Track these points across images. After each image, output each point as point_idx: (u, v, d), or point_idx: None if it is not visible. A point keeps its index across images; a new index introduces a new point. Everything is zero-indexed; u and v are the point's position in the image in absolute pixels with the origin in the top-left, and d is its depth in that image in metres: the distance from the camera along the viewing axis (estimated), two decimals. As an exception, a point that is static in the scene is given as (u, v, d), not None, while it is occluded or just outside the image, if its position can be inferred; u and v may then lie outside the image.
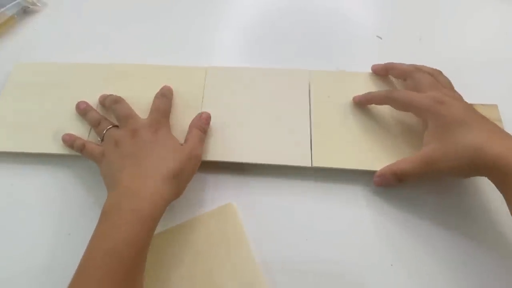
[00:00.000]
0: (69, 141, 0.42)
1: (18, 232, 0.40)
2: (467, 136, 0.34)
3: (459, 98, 0.39)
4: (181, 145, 0.39)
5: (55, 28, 0.55)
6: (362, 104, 0.43)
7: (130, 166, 0.35)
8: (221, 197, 0.40)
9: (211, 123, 0.43)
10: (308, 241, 0.38)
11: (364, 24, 0.53)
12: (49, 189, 0.42)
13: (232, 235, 0.38)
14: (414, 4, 0.55)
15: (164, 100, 0.42)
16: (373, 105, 0.43)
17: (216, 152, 0.41)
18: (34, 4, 0.56)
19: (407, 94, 0.39)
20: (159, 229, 0.38)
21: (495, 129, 0.35)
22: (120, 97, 0.42)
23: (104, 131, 0.40)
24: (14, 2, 0.54)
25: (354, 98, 0.44)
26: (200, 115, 0.42)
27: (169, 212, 0.39)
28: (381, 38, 0.52)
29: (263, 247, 0.38)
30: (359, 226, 0.39)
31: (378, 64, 0.46)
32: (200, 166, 0.41)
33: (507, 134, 0.35)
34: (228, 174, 0.42)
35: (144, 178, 0.35)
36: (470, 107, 0.37)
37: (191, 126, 0.41)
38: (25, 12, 0.56)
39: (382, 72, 0.46)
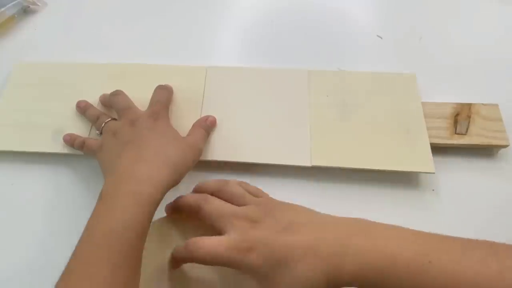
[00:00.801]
0: (69, 140, 0.42)
1: (18, 232, 0.40)
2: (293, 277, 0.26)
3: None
4: (183, 137, 0.39)
5: (55, 28, 0.55)
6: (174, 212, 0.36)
7: (129, 151, 0.35)
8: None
9: (211, 122, 0.43)
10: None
11: (364, 24, 0.53)
12: (49, 189, 0.42)
13: None
14: (414, 4, 0.55)
15: (164, 92, 0.42)
16: (369, 103, 0.43)
17: (215, 151, 0.41)
18: (34, 3, 0.56)
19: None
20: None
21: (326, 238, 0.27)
22: (119, 90, 0.42)
23: (103, 124, 0.40)
24: (14, 2, 0.54)
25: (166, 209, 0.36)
26: (206, 117, 0.42)
27: (164, 211, 0.39)
28: (381, 38, 0.52)
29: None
30: (359, 225, 0.39)
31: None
32: (199, 166, 0.41)
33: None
34: (227, 173, 0.42)
35: (143, 162, 0.34)
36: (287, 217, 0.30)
37: (195, 125, 0.41)
38: (25, 11, 0.56)
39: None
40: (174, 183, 0.35)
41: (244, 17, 0.55)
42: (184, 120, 0.43)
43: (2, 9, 0.54)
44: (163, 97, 0.41)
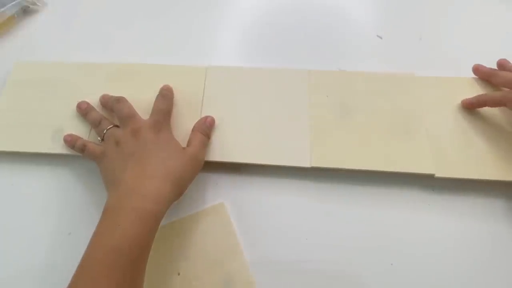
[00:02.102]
0: (70, 142, 0.42)
1: (19, 232, 0.40)
2: None
3: None
4: (184, 148, 0.39)
5: (55, 27, 0.55)
6: (473, 107, 0.42)
7: (132, 166, 0.35)
8: (217, 196, 0.41)
9: (211, 122, 0.43)
10: (307, 240, 0.38)
11: (364, 24, 0.53)
12: (49, 189, 0.42)
13: (222, 233, 0.38)
14: (414, 4, 0.55)
15: (166, 101, 0.42)
16: (369, 103, 0.43)
17: (215, 152, 0.41)
18: (34, 3, 0.56)
19: None
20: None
21: None
22: (122, 97, 0.42)
23: (105, 131, 0.40)
24: (14, 2, 0.54)
25: (462, 102, 0.42)
26: (205, 119, 0.42)
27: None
28: (381, 38, 0.52)
29: (261, 247, 0.38)
30: (358, 225, 0.39)
31: (482, 67, 0.44)
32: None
33: None
34: (226, 173, 0.42)
35: (146, 178, 0.35)
36: None
37: (195, 130, 0.41)
38: (25, 11, 0.56)
39: (483, 77, 0.44)
40: (177, 197, 0.36)
41: (244, 17, 0.55)
42: (184, 120, 0.43)
43: (2, 9, 0.54)
44: (165, 106, 0.41)
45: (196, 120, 0.42)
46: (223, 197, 0.40)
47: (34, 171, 0.43)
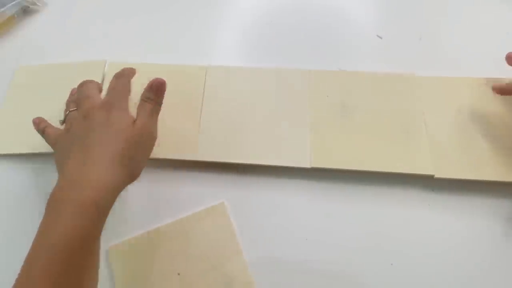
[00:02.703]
0: (37, 124, 0.40)
1: (19, 232, 0.40)
2: None
3: None
4: (134, 124, 0.35)
5: (55, 28, 0.55)
6: (503, 93, 0.41)
7: (76, 152, 0.32)
8: (217, 196, 0.41)
9: (210, 122, 0.43)
10: (307, 241, 0.38)
11: (364, 24, 0.53)
12: (49, 189, 0.42)
13: (222, 234, 0.38)
14: (414, 4, 0.55)
15: (122, 80, 0.37)
16: (369, 103, 0.43)
17: (215, 152, 0.41)
18: (34, 3, 0.56)
19: None
20: (151, 227, 0.39)
21: None
22: (87, 80, 0.38)
23: (67, 112, 0.37)
24: (14, 2, 0.54)
25: (493, 86, 0.42)
26: (151, 83, 0.36)
27: (162, 209, 0.39)
28: (381, 38, 0.51)
29: (261, 247, 0.38)
30: (358, 225, 0.39)
31: None
32: (198, 166, 0.41)
33: None
34: (226, 173, 0.42)
35: (89, 164, 0.31)
36: None
37: (140, 102, 0.36)
38: (25, 12, 0.56)
39: None
40: (130, 179, 0.33)
41: (244, 17, 0.55)
42: (184, 120, 0.43)
43: (2, 9, 0.53)
44: (120, 85, 0.37)
45: (196, 120, 0.42)
46: (223, 197, 0.40)
47: (34, 171, 0.43)
